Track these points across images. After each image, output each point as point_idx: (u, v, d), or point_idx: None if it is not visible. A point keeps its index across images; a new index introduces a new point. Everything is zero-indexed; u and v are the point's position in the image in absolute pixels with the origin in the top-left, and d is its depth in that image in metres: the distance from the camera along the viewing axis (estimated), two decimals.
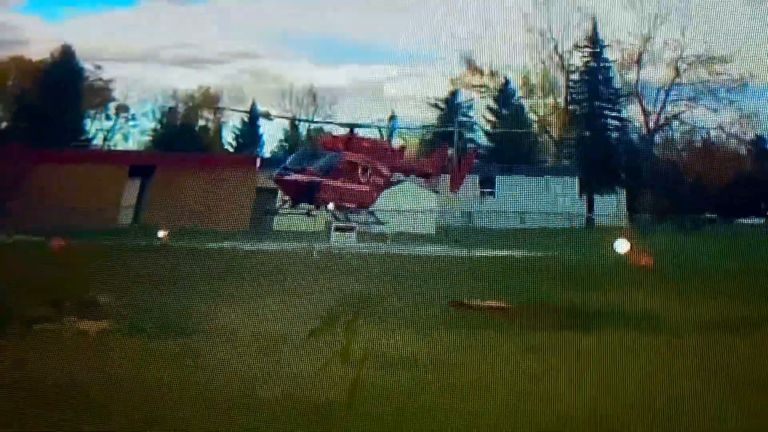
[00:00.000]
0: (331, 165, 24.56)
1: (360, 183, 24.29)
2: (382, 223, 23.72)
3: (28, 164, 26.64)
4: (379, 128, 24.99)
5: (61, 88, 30.24)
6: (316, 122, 27.04)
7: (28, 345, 15.52)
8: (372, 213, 24.21)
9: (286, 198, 24.74)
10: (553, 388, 13.48)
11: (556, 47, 26.46)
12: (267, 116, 28.26)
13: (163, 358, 14.42)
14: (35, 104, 30.24)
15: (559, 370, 13.94)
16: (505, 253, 20.95)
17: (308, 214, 24.26)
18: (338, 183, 24.40)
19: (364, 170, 24.15)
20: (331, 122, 25.91)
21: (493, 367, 14.20)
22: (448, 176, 24.98)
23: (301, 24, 24.13)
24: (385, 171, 24.39)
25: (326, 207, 24.69)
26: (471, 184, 24.79)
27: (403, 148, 25.84)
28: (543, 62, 26.89)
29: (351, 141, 24.42)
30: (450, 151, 25.86)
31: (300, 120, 27.16)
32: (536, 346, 14.67)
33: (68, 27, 30.02)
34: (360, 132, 24.73)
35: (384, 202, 24.41)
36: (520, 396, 13.46)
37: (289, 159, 25.49)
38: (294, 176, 24.30)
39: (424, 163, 25.50)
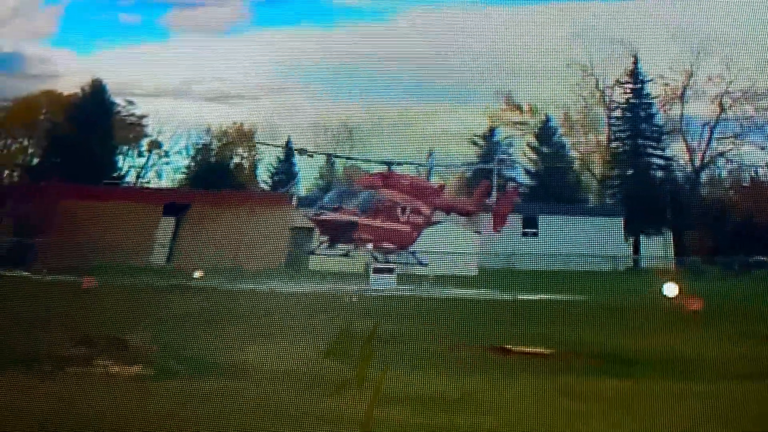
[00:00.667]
0: (369, 203, 24.04)
1: (399, 222, 23.75)
2: (424, 264, 23.14)
3: (61, 200, 26.33)
4: (417, 165, 24.43)
5: (92, 123, 29.91)
6: (353, 158, 26.46)
7: (58, 384, 15.05)
8: (413, 254, 23.65)
9: (323, 238, 24.27)
10: None
11: (597, 83, 25.93)
12: (303, 152, 27.72)
13: (197, 398, 13.98)
14: (66, 139, 29.91)
15: (598, 417, 13.41)
16: (547, 296, 20.43)
17: (347, 254, 23.73)
18: (376, 222, 23.87)
19: (404, 209, 23.59)
20: (368, 159, 25.27)
21: (531, 413, 13.67)
22: (489, 215, 24.52)
23: (338, 58, 23.65)
24: (425, 209, 23.84)
25: (365, 247, 24.18)
26: (513, 224, 24.27)
27: (442, 186, 25.35)
28: (584, 98, 26.40)
29: (389, 179, 23.91)
30: (492, 189, 25.43)
31: (336, 156, 26.67)
32: (575, 393, 14.13)
33: (100, 61, 29.52)
34: (397, 169, 24.31)
35: (424, 242, 23.90)
36: None
37: (326, 197, 25.04)
38: (331, 215, 23.80)
39: (464, 201, 25.00)
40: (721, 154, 25.38)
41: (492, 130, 27.14)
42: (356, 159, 26.31)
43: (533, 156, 27.63)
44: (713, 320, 17.52)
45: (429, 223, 24.11)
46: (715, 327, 17.10)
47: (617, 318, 17.55)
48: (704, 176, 25.45)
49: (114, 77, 29.05)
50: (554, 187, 26.62)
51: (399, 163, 23.62)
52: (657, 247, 23.91)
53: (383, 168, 24.53)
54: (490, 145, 27.05)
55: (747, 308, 18.64)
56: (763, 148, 23.83)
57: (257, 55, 25.22)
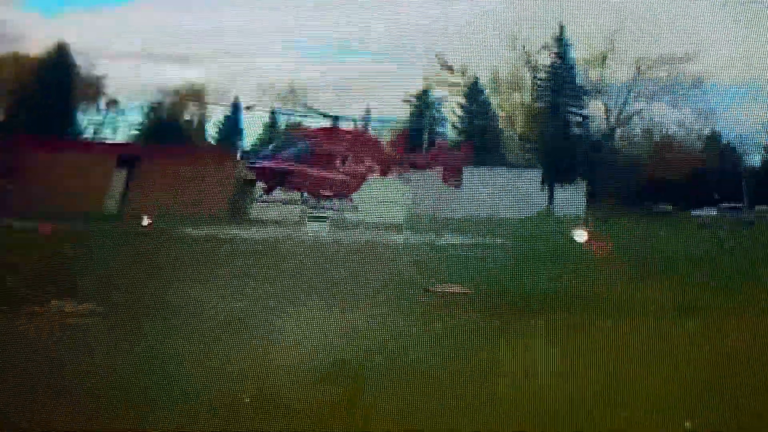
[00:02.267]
0: (302, 152, 24.74)
1: (337, 172, 24.45)
2: (356, 210, 23.85)
3: (20, 151, 26.92)
4: (354, 120, 25.19)
5: (55, 83, 30.53)
6: (293, 113, 27.12)
7: (18, 329, 15.74)
8: (350, 201, 24.36)
9: (262, 186, 24.98)
10: (509, 368, 13.76)
11: (524, 47, 26.71)
12: (248, 108, 28.50)
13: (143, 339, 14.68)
14: (29, 98, 30.56)
15: (513, 350, 14.22)
16: (468, 241, 21.13)
17: (287, 203, 24.45)
18: (312, 171, 24.56)
19: (343, 159, 24.32)
20: (305, 114, 26.02)
21: (456, 347, 14.46)
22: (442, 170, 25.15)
23: (285, 23, 24.22)
24: (368, 161, 24.53)
25: (300, 194, 24.89)
26: (437, 176, 25.01)
27: (388, 141, 26.06)
28: (511, 61, 27.16)
29: (329, 132, 24.62)
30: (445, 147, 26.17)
31: (278, 112, 27.42)
32: (494, 328, 14.97)
33: (65, 23, 30.03)
34: (343, 125, 25.03)
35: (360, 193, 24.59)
36: (482, 374, 13.69)
37: (265, 149, 25.79)
38: (264, 164, 24.52)
39: (438, 157, 25.65)
40: (635, 113, 26.28)
41: (425, 91, 27.88)
42: (296, 113, 27.03)
43: (462, 114, 28.35)
44: (619, 260, 18.32)
45: (368, 174, 24.82)
46: (621, 266, 17.91)
47: (531, 260, 18.23)
48: (618, 133, 26.32)
49: (78, 39, 29.61)
50: (480, 144, 27.39)
51: (342, 118, 24.37)
52: (571, 197, 24.67)
53: (325, 124, 25.33)
54: (422, 104, 27.76)
55: (650, 250, 19.42)
56: (673, 108, 24.69)
57: (214, 19, 25.80)
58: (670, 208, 23.39)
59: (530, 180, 24.64)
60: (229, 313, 15.21)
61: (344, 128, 25.31)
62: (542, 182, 24.50)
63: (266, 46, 25.51)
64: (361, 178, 24.69)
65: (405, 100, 26.49)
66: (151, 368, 13.39)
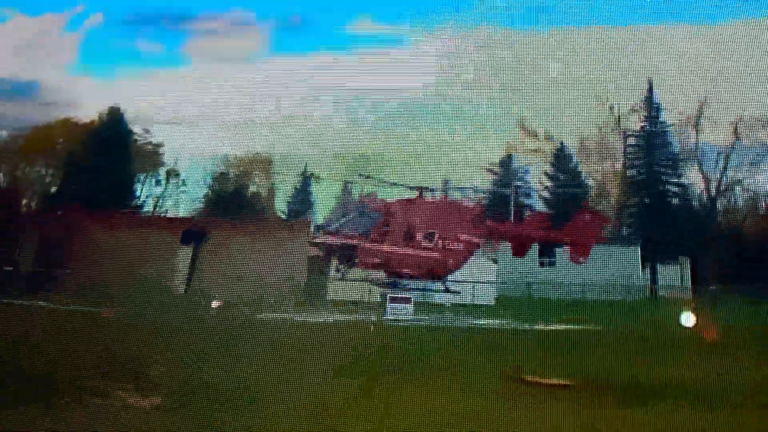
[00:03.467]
0: (370, 225, 23.74)
1: (418, 248, 23.31)
2: (454, 292, 22.65)
3: (79, 228, 26.17)
4: (431, 191, 24.05)
5: (109, 151, 29.83)
6: (367, 183, 26.17)
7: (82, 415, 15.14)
8: (444, 282, 23.17)
9: (338, 263, 24.00)
10: None
11: (611, 109, 25.68)
12: (317, 178, 27.65)
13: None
14: (84, 167, 29.84)
15: None
16: (566, 326, 20.21)
17: (342, 276, 23.35)
18: (383, 246, 23.46)
19: (428, 235, 23.11)
20: (381, 184, 25.00)
21: None
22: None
23: (355, 85, 23.56)
24: (465, 236, 23.32)
25: (375, 273, 23.82)
26: (530, 252, 23.91)
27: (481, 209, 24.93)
28: (598, 126, 26.16)
29: (409, 203, 23.55)
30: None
31: (349, 182, 26.51)
32: (594, 425, 14.21)
33: (117, 88, 29.31)
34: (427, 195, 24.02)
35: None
36: None
37: (335, 222, 25.03)
38: (325, 238, 23.51)
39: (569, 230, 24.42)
40: (737, 182, 25.23)
41: (509, 158, 26.93)
42: (372, 184, 26.07)
43: (549, 184, 27.40)
44: (733, 348, 17.36)
45: (472, 249, 23.56)
46: (735, 354, 16.96)
47: (636, 348, 17.39)
48: (720, 204, 25.25)
49: (131, 105, 28.91)
50: (571, 216, 26.42)
51: (427, 189, 23.31)
52: (674, 276, 23.64)
53: (404, 194, 24.35)
54: (506, 173, 26.81)
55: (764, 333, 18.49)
56: None
57: (274, 83, 24.99)
58: None
59: (629, 256, 23.53)
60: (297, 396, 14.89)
61: (428, 199, 24.28)
62: (642, 259, 23.35)
63: (335, 113, 24.66)
64: (457, 254, 23.52)
65: (489, 170, 25.42)
66: None
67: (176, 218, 30.01)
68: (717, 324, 19.16)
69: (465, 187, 24.90)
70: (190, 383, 16.10)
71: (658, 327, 19.43)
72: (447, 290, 22.75)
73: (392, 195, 24.97)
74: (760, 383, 15.47)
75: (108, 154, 30.15)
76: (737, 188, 24.57)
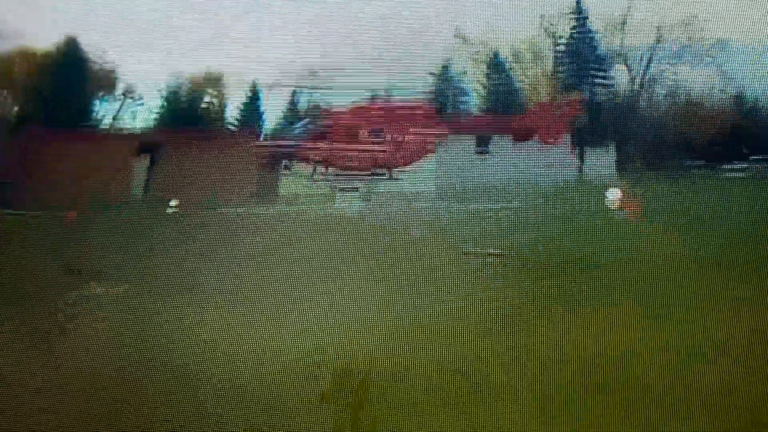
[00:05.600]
0: (305, 130, 25.43)
1: (363, 145, 24.73)
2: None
3: (41, 144, 27.13)
4: (373, 95, 25.43)
5: (67, 77, 30.76)
6: (313, 94, 27.36)
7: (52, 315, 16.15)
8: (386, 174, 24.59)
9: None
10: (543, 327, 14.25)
11: (542, 17, 26.97)
12: (268, 88, 28.75)
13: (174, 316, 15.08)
14: (43, 93, 30.80)
15: (545, 309, 14.71)
16: (500, 206, 21.41)
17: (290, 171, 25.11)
18: (330, 145, 25.00)
19: (374, 133, 24.58)
20: (326, 93, 26.23)
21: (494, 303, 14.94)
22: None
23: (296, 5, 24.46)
24: (415, 133, 24.75)
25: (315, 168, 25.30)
26: (467, 143, 25.23)
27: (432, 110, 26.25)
28: (530, 33, 27.43)
29: (356, 108, 24.92)
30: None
31: (298, 93, 27.71)
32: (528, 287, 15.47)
33: (70, 15, 30.07)
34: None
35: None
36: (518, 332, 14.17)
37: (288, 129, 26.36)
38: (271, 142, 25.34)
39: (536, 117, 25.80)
40: (659, 78, 26.57)
41: (446, 66, 28.07)
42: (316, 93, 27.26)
43: (486, 84, 28.55)
44: (654, 220, 18.63)
45: (424, 147, 25.01)
46: (655, 224, 18.24)
47: (565, 222, 18.54)
48: (643, 96, 26.61)
49: (84, 32, 29.79)
50: (505, 112, 27.70)
51: (375, 95, 24.66)
52: (600, 160, 24.92)
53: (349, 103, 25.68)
54: (445, 79, 27.98)
55: (684, 206, 19.72)
56: (695, 69, 25.02)
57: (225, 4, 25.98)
58: (701, 163, 23.71)
59: (560, 149, 24.87)
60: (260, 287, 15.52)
61: (367, 104, 25.62)
62: (571, 147, 24.77)
63: (281, 26, 25.76)
64: (402, 150, 24.98)
65: (430, 73, 26.70)
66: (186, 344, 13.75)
67: (133, 133, 31.01)
68: (638, 199, 20.55)
69: (410, 91, 26.25)
70: (156, 271, 17.08)
71: (584, 203, 20.65)
72: (390, 177, 24.26)
73: (340, 104, 26.44)
74: (674, 245, 16.74)
75: (65, 79, 31.14)
76: (659, 84, 25.98)
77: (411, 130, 25.26)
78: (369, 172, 25.30)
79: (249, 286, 15.28)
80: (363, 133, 25.29)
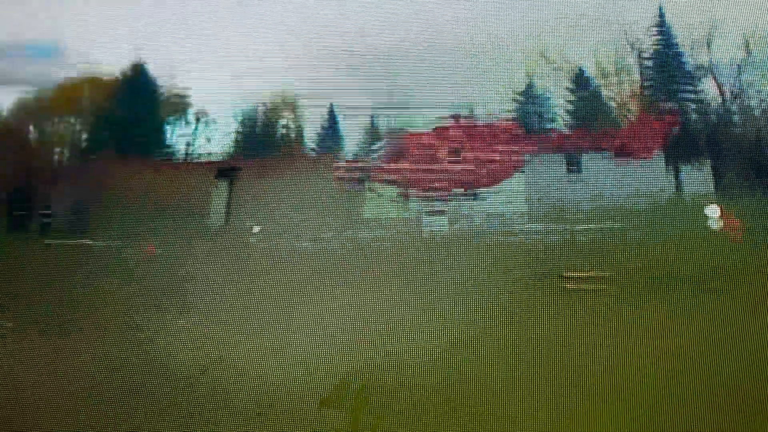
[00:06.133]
0: (384, 150, 25.25)
1: (446, 165, 24.52)
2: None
3: (114, 174, 26.96)
4: (458, 116, 25.15)
5: (135, 103, 30.62)
6: (394, 117, 27.15)
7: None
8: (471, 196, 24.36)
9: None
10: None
11: (625, 33, 26.59)
12: (343, 113, 28.62)
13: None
14: (112, 120, 30.68)
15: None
16: (597, 227, 21.07)
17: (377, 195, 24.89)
18: (403, 167, 24.84)
19: (453, 152, 24.34)
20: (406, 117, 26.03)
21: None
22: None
23: (376, 19, 24.19)
24: (501, 153, 24.53)
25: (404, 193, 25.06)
26: (558, 164, 24.95)
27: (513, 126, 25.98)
28: (614, 49, 27.05)
29: (437, 129, 24.74)
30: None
31: (376, 117, 27.46)
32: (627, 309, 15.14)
33: (137, 40, 29.92)
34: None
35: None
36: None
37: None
38: (351, 166, 25.09)
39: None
40: (751, 92, 26.12)
41: (530, 85, 27.72)
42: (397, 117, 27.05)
43: (571, 105, 28.23)
44: (756, 241, 18.22)
45: (510, 167, 24.74)
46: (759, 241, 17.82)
47: (665, 241, 18.22)
48: (736, 109, 26.20)
49: (153, 53, 29.62)
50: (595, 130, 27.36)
51: (459, 115, 24.44)
52: (696, 179, 24.53)
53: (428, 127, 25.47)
54: (529, 98, 27.64)
55: None
56: None
57: (294, 18, 25.74)
58: None
59: (653, 165, 24.49)
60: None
61: (450, 124, 25.38)
62: (666, 166, 24.36)
63: (361, 48, 25.55)
64: (492, 170, 24.75)
65: (515, 92, 26.39)
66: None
67: (209, 159, 30.85)
68: (739, 219, 20.11)
69: (493, 112, 25.98)
70: (240, 301, 16.92)
71: (685, 222, 20.30)
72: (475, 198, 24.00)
73: (422, 126, 26.28)
74: None
75: (134, 105, 31.02)
76: (751, 98, 25.56)
77: (495, 148, 24.97)
78: (453, 194, 25.06)
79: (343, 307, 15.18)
80: (444, 154, 25.05)
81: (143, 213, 24.96)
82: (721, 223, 20.15)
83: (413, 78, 26.61)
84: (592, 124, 27.79)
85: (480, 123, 25.06)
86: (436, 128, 24.97)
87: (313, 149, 30.25)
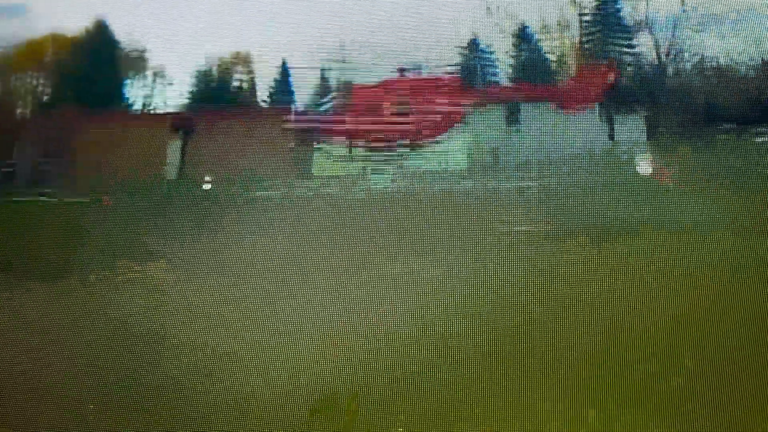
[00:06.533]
0: (332, 106, 25.73)
1: (390, 121, 24.97)
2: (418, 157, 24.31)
3: (73, 126, 27.36)
4: (403, 70, 25.61)
5: (97, 60, 31.04)
6: (343, 70, 27.55)
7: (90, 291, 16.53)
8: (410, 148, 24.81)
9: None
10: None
11: None
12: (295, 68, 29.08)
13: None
14: (74, 76, 31.12)
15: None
16: (532, 183, 21.56)
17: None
18: (357, 120, 25.31)
19: (399, 107, 24.81)
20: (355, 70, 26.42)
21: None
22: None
23: None
24: (444, 106, 24.93)
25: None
26: (497, 116, 25.38)
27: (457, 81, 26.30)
28: (557, 8, 27.53)
29: (384, 83, 25.12)
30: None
31: (327, 71, 27.95)
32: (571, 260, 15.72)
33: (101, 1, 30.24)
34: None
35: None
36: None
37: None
38: (300, 120, 25.66)
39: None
40: (684, 44, 26.67)
41: (474, 40, 28.14)
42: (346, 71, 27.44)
43: (514, 55, 28.64)
44: (690, 185, 18.84)
45: (452, 119, 25.18)
46: (687, 187, 18.48)
47: (602, 192, 18.72)
48: (670, 65, 26.74)
49: (116, 14, 30.03)
50: (534, 83, 27.81)
51: (405, 69, 24.87)
52: (630, 130, 25.03)
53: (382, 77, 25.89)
54: (473, 53, 28.07)
55: (716, 171, 19.90)
56: (721, 38, 25.12)
57: None
58: (732, 127, 23.83)
59: (588, 116, 25.00)
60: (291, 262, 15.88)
61: (396, 78, 25.79)
62: (600, 117, 24.96)
63: (310, 6, 25.96)
64: (435, 124, 25.16)
65: (459, 47, 26.85)
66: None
67: (164, 113, 31.29)
68: (671, 165, 20.74)
69: (438, 65, 26.44)
70: (193, 249, 17.39)
71: (619, 171, 20.86)
72: (418, 151, 24.48)
73: (367, 81, 26.65)
74: (707, 210, 16.97)
75: (95, 62, 31.45)
76: (685, 52, 26.09)
77: (437, 101, 25.44)
78: (397, 147, 25.49)
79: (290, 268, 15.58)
80: (388, 108, 25.51)
81: (100, 165, 25.45)
82: (651, 170, 20.82)
83: (362, 32, 27.12)
84: (533, 77, 28.35)
85: (422, 76, 25.53)
86: (382, 81, 25.45)
87: (264, 102, 30.82)
